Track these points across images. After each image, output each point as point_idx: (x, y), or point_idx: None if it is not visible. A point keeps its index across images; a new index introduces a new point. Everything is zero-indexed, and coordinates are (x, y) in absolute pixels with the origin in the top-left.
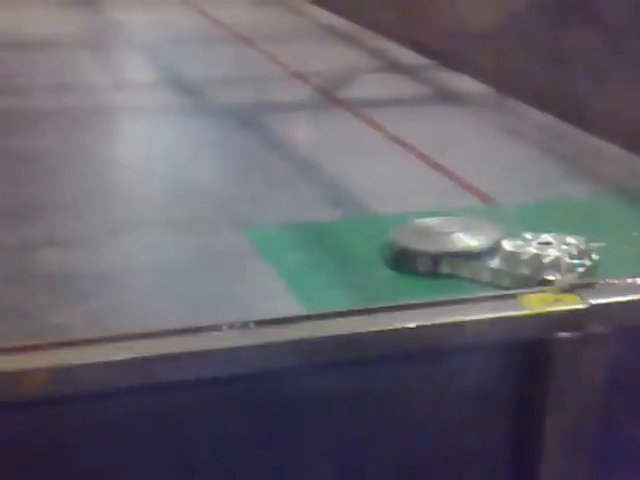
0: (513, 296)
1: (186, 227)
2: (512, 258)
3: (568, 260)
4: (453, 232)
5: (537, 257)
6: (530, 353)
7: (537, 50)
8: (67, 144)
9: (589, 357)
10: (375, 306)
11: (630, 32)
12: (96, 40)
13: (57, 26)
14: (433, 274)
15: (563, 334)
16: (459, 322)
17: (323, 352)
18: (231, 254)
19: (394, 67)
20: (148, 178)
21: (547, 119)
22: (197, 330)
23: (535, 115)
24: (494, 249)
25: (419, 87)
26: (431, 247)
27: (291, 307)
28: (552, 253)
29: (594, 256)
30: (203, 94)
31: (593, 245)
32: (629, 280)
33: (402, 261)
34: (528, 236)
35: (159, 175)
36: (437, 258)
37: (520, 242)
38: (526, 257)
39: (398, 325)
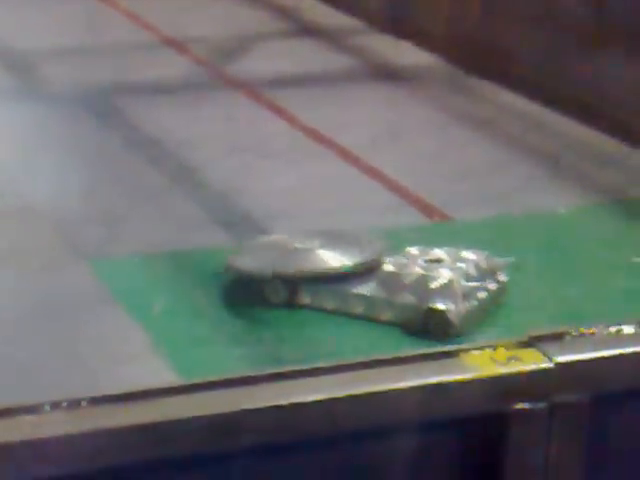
0: (453, 354)
1: (10, 261)
2: (392, 281)
3: (463, 282)
4: (314, 249)
5: (424, 279)
6: (476, 433)
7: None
8: None
9: (557, 435)
10: (259, 373)
11: None
12: None
13: None
14: (289, 305)
15: (521, 405)
16: (376, 393)
17: (184, 439)
18: (74, 298)
19: (308, 31)
20: None
21: (520, 103)
22: (3, 413)
23: (504, 97)
24: (370, 270)
25: (343, 58)
26: (283, 269)
27: (158, 372)
28: (443, 274)
29: (501, 277)
30: (36, 71)
31: (499, 262)
32: (610, 329)
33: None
34: (414, 251)
35: None
36: (292, 283)
37: (403, 260)
38: (410, 279)
39: (288, 400)
